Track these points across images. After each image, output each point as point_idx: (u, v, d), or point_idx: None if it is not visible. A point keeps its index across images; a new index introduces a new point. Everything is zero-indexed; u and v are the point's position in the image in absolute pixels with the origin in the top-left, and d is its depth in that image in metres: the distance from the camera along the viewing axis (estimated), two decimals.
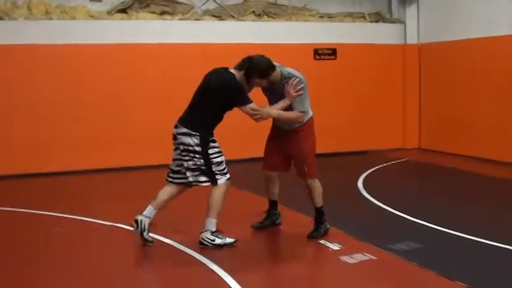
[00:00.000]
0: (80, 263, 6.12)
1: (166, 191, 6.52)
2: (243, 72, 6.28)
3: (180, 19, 12.26)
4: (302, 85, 6.31)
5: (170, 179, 6.52)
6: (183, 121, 6.33)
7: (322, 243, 6.43)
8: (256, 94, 6.56)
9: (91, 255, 6.39)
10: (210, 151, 6.21)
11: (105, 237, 7.04)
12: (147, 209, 6.46)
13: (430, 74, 13.72)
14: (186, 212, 7.61)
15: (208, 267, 5.74)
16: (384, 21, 14.05)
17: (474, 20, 12.27)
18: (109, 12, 11.84)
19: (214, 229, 6.31)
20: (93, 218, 7.64)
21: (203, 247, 6.27)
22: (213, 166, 6.20)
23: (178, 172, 6.43)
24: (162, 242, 6.58)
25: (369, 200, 8.53)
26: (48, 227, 7.47)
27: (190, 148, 6.19)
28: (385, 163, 11.99)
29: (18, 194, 9.59)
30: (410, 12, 13.91)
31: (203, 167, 6.20)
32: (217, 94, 6.25)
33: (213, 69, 6.57)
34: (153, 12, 12.15)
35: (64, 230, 7.29)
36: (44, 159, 11.16)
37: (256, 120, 6.28)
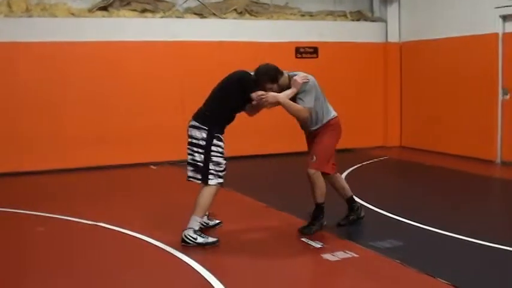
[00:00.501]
0: (62, 262, 6.07)
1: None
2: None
3: (162, 17, 12.22)
4: (308, 78, 6.49)
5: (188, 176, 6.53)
6: (196, 115, 6.45)
7: (304, 241, 6.44)
8: None
9: (73, 254, 6.35)
10: (213, 148, 6.26)
11: (87, 236, 6.99)
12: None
13: (411, 72, 13.79)
14: (169, 209, 7.58)
15: (189, 265, 5.73)
16: (365, 20, 14.10)
17: (455, 19, 12.34)
18: (90, 10, 11.76)
19: (197, 228, 6.30)
20: (75, 217, 7.58)
21: (185, 245, 6.26)
22: (210, 164, 6.24)
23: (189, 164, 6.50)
24: (145, 241, 6.56)
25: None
26: (30, 226, 7.41)
27: (195, 142, 6.30)
28: (367, 161, 12.03)
29: None
30: (392, 11, 13.97)
31: (200, 164, 6.24)
32: (233, 87, 6.39)
33: (235, 70, 6.64)
34: (134, 10, 12.10)
35: (46, 230, 7.24)
36: (25, 157, 11.07)
37: (264, 105, 6.39)
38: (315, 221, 6.73)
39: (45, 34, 11.15)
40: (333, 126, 6.76)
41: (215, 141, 6.28)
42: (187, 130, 6.44)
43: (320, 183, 6.68)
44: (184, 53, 12.09)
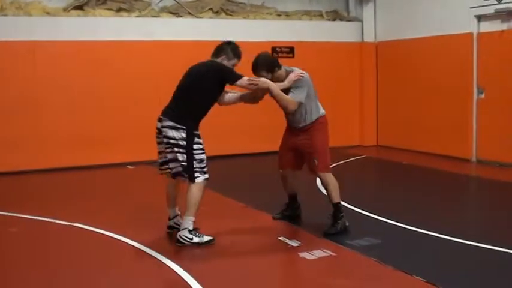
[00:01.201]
0: (35, 262, 6.02)
1: (170, 188, 6.63)
2: (222, 57, 6.48)
3: (137, 16, 12.16)
4: (304, 74, 6.56)
5: (162, 171, 6.58)
6: (167, 114, 6.31)
7: (281, 240, 6.44)
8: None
9: (47, 254, 6.30)
10: (195, 146, 6.21)
11: (62, 236, 6.94)
12: (170, 212, 6.65)
13: (386, 71, 13.87)
14: (146, 209, 7.55)
15: (166, 265, 5.72)
16: (341, 20, 14.15)
17: (430, 19, 12.43)
18: (65, 9, 11.67)
19: (191, 227, 6.27)
20: (50, 218, 7.52)
21: (180, 246, 6.25)
22: (194, 162, 6.19)
23: (166, 163, 6.47)
24: (121, 241, 6.53)
25: (327, 196, 8.55)
26: (2, 227, 7.33)
27: (174, 142, 6.19)
28: (343, 160, 12.05)
29: None
30: (367, 10, 14.04)
31: (184, 163, 6.19)
32: (207, 79, 6.31)
33: (196, 63, 6.61)
34: (110, 9, 12.03)
35: (19, 230, 7.17)
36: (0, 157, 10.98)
37: (255, 92, 6.40)
38: (338, 220, 6.71)
39: (20, 33, 11.04)
40: (322, 124, 6.82)
41: (196, 139, 6.22)
42: (160, 130, 6.31)
43: (332, 182, 6.72)
44: (160, 53, 12.04)
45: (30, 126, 11.18)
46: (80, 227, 7.09)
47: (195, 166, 6.19)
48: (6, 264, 5.96)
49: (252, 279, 5.46)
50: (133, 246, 6.35)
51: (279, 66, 6.53)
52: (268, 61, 6.51)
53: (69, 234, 6.96)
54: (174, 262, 5.74)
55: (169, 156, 6.31)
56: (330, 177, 6.73)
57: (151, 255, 6.03)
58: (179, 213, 6.67)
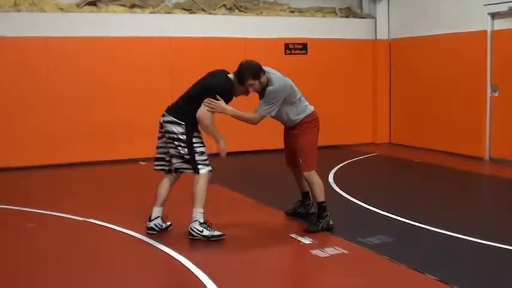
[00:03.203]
0: (52, 257, 6.05)
1: (162, 186, 6.67)
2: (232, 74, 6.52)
3: (150, 12, 12.17)
4: (274, 85, 6.45)
5: (155, 167, 6.74)
6: (170, 110, 6.48)
7: (293, 237, 6.43)
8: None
9: (63, 250, 6.32)
10: (194, 140, 6.33)
11: (77, 232, 6.98)
12: (153, 212, 6.62)
13: (400, 69, 13.81)
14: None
15: (178, 260, 5.73)
16: (355, 17, 14.10)
17: (444, 16, 12.38)
18: (78, 5, 11.69)
19: (202, 220, 6.31)
20: (65, 213, 7.54)
21: (191, 238, 6.29)
22: (196, 155, 6.31)
23: (162, 159, 6.63)
24: (134, 237, 6.55)
25: (339, 194, 8.56)
26: (20, 222, 7.37)
27: (175, 136, 6.33)
28: (356, 157, 12.04)
29: None
30: (381, 7, 13.98)
31: (186, 156, 6.31)
32: (206, 93, 6.33)
33: (214, 70, 6.67)
34: (123, 5, 12.04)
35: (37, 226, 7.20)
36: (13, 153, 11.01)
37: (210, 110, 6.31)
38: (320, 219, 6.71)
39: (34, 29, 11.08)
40: (307, 123, 6.76)
41: (195, 134, 6.37)
42: (161, 125, 6.47)
43: (316, 181, 6.71)
44: (173, 49, 12.05)
45: (43, 121, 11.23)
46: (93, 222, 7.12)
47: (197, 159, 6.30)
48: (24, 259, 5.99)
49: (264, 276, 5.46)
50: (146, 242, 6.37)
51: (263, 71, 6.49)
52: (253, 68, 6.42)
53: (83, 230, 7.00)
54: (186, 257, 5.75)
55: (171, 151, 6.42)
56: (315, 177, 6.72)
57: (163, 251, 6.04)
58: (161, 215, 6.64)
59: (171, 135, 6.35)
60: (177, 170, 6.52)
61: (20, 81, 11.06)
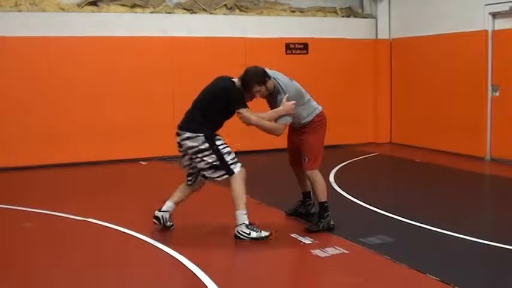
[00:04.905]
0: (49, 257, 6.06)
1: (185, 189, 6.68)
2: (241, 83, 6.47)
3: (151, 12, 12.17)
4: (293, 102, 6.47)
5: (189, 183, 6.67)
6: (184, 127, 6.41)
7: (294, 237, 6.43)
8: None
9: (61, 249, 6.33)
10: (217, 143, 6.30)
11: (76, 231, 6.98)
12: (166, 205, 6.61)
13: (401, 69, 13.81)
14: (159, 205, 7.55)
15: (179, 260, 5.73)
16: (356, 16, 14.10)
17: (445, 16, 12.37)
18: (79, 5, 11.70)
19: (247, 222, 6.32)
20: (64, 213, 7.54)
21: (239, 241, 6.30)
22: (225, 156, 6.29)
23: (192, 175, 6.59)
24: (135, 236, 6.55)
25: (340, 194, 8.56)
26: (17, 222, 7.37)
27: (197, 149, 6.28)
28: (357, 157, 12.05)
29: None
30: (382, 7, 13.98)
31: (216, 163, 6.27)
32: (219, 99, 6.37)
33: (218, 76, 6.63)
34: (124, 5, 12.04)
35: (34, 225, 7.20)
36: (12, 153, 11.01)
37: (244, 123, 6.42)
38: (321, 219, 6.71)
39: (35, 29, 11.08)
40: (316, 123, 6.79)
41: (216, 137, 6.34)
42: (180, 144, 6.40)
43: (319, 180, 6.72)
44: (174, 49, 12.05)
45: (44, 121, 11.23)
46: (92, 222, 7.12)
47: (227, 160, 6.29)
48: (20, 258, 5.99)
49: (264, 276, 5.46)
50: (146, 241, 6.36)
51: (269, 77, 6.50)
52: (259, 75, 6.43)
53: (82, 230, 7.00)
54: (186, 257, 5.74)
55: (199, 166, 6.36)
56: (318, 176, 6.73)
57: (164, 251, 6.04)
58: (171, 211, 6.63)
59: (193, 150, 6.30)
60: (208, 179, 6.48)
61: (20, 81, 11.07)
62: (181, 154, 6.54)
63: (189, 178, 6.64)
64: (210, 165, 6.29)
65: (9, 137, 10.97)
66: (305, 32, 13.31)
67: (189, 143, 6.30)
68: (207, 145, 6.24)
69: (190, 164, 6.49)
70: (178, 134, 6.41)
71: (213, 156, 6.25)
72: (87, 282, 5.36)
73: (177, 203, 6.65)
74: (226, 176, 6.33)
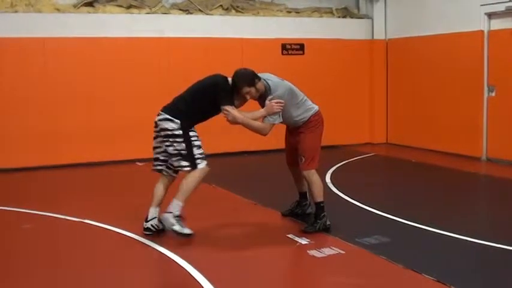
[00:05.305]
0: (47, 258, 6.05)
1: (159, 187, 6.66)
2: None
3: (147, 13, 12.17)
4: (282, 103, 6.46)
5: (153, 168, 6.70)
6: (165, 109, 6.46)
7: (290, 238, 6.43)
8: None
9: (59, 251, 6.33)
10: (191, 133, 6.30)
11: (72, 233, 6.98)
12: (150, 213, 6.57)
13: (397, 69, 13.83)
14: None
15: (174, 261, 5.73)
16: (352, 17, 14.11)
17: (440, 16, 12.39)
18: (75, 6, 11.69)
19: (178, 213, 6.23)
20: (61, 214, 7.54)
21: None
22: (194, 149, 6.26)
23: (158, 159, 6.60)
24: (131, 237, 6.56)
25: (336, 194, 8.56)
26: (16, 223, 7.37)
27: (170, 133, 6.29)
28: (353, 158, 12.05)
29: None
30: (378, 7, 14.00)
31: (183, 152, 6.25)
32: (208, 91, 6.40)
33: (212, 74, 6.64)
34: (120, 6, 12.03)
35: (32, 227, 7.20)
36: (8, 154, 10.99)
37: (228, 121, 6.41)
38: (318, 220, 6.71)
39: (30, 30, 11.07)
40: (312, 122, 6.79)
41: (191, 129, 6.34)
42: (156, 124, 6.43)
43: (315, 180, 6.72)
44: (170, 49, 12.05)
45: (41, 122, 11.21)
46: (89, 223, 7.11)
47: (195, 153, 6.26)
48: (19, 259, 5.99)
49: (260, 276, 5.46)
50: (143, 242, 6.37)
51: (258, 78, 6.50)
52: (248, 76, 6.44)
53: (79, 231, 6.99)
54: (182, 258, 5.75)
55: (168, 150, 6.36)
56: (315, 176, 6.73)
57: (159, 251, 6.05)
58: (157, 216, 6.58)
59: (166, 132, 6.31)
60: (176, 168, 6.46)
61: (17, 82, 11.05)
62: (153, 136, 6.55)
63: (154, 163, 6.63)
64: (177, 152, 6.27)
65: (5, 137, 10.96)
66: (301, 33, 13.31)
67: (164, 125, 6.31)
68: (180, 132, 6.24)
69: (160, 147, 6.50)
70: (158, 114, 6.44)
71: (183, 144, 6.23)
72: (84, 282, 5.36)
73: (159, 205, 6.61)
74: (189, 169, 6.26)
